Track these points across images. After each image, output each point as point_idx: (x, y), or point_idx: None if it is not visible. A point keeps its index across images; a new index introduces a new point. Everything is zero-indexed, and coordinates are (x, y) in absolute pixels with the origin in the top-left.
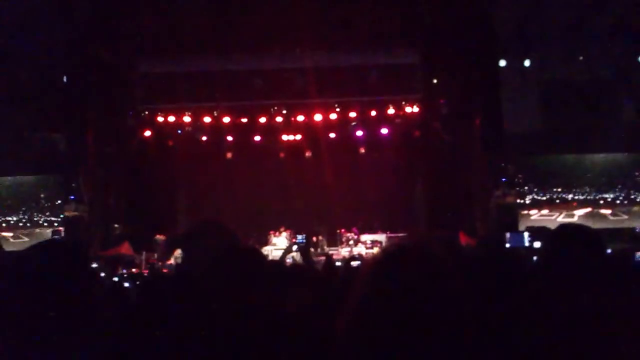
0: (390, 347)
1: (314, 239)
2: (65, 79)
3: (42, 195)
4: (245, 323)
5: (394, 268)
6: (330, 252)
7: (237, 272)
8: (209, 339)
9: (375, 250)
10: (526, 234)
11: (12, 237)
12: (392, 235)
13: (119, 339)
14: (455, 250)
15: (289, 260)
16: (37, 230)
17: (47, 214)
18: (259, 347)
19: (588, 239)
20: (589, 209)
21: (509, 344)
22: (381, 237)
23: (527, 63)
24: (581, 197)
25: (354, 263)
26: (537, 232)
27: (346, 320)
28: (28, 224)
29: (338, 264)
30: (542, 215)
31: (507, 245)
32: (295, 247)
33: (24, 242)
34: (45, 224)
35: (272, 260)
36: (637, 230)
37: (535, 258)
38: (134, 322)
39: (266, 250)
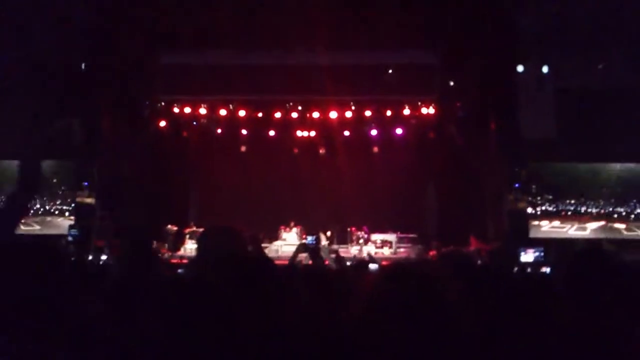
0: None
1: (328, 233)
2: (83, 67)
3: (54, 181)
4: (246, 330)
5: (391, 284)
6: (340, 250)
7: (241, 279)
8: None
9: (385, 250)
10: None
11: (23, 224)
12: (402, 235)
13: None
14: (465, 269)
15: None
16: (49, 218)
17: (59, 202)
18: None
19: (609, 263)
20: (602, 223)
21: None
22: (391, 237)
23: (545, 69)
24: (594, 210)
25: (372, 266)
26: (552, 248)
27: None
28: (40, 212)
29: (349, 263)
30: (553, 227)
31: (521, 259)
32: (304, 248)
33: (34, 229)
34: (57, 212)
35: (280, 265)
36: None
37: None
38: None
39: (276, 245)
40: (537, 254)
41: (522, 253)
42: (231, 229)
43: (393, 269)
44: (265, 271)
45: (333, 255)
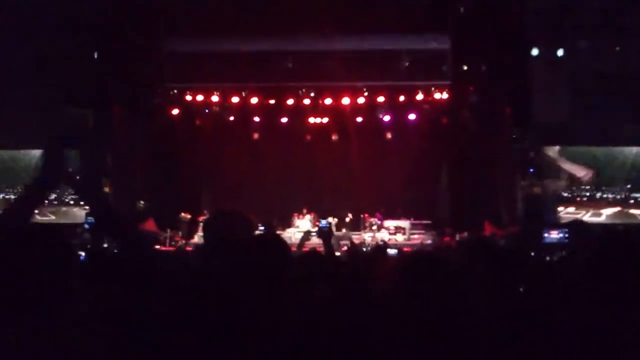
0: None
1: (347, 219)
2: (95, 56)
3: (69, 170)
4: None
5: (409, 271)
6: (353, 236)
7: (250, 263)
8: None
9: (399, 236)
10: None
11: (38, 214)
12: (416, 222)
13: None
14: (487, 255)
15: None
16: (64, 208)
17: (73, 191)
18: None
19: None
20: (617, 209)
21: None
22: (405, 224)
23: (559, 53)
24: (610, 196)
25: (391, 251)
26: (576, 229)
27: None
28: (55, 202)
29: (364, 249)
30: (568, 213)
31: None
32: (314, 233)
33: (50, 219)
34: (72, 202)
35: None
36: None
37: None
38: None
39: (289, 232)
40: (561, 235)
41: (546, 234)
42: (238, 212)
43: (415, 259)
44: (277, 252)
45: (344, 242)
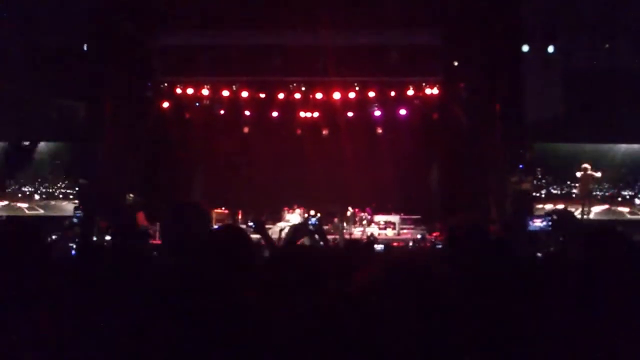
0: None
1: (335, 220)
2: (85, 47)
3: (57, 162)
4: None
5: (392, 276)
6: (344, 231)
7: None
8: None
9: (389, 231)
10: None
11: (27, 208)
12: (406, 217)
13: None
14: (481, 239)
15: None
16: (53, 202)
17: (63, 185)
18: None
19: (624, 244)
20: (606, 206)
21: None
22: (394, 219)
23: (550, 49)
24: (599, 193)
25: (378, 247)
26: (559, 218)
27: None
28: (44, 196)
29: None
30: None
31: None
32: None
33: (39, 214)
34: (61, 196)
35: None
36: None
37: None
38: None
39: (279, 226)
40: (544, 223)
41: (530, 222)
42: (195, 205)
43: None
44: (238, 245)
45: (333, 236)
